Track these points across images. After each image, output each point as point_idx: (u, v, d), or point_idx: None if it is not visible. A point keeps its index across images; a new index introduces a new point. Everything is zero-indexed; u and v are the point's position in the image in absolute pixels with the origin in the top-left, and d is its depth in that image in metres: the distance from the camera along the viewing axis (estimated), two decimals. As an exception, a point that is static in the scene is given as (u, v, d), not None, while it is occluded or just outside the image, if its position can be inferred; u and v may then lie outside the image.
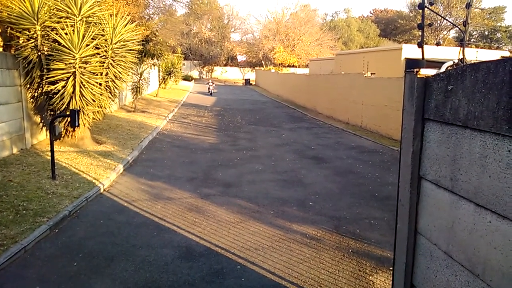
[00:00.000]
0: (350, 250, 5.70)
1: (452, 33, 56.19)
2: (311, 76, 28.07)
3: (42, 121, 11.08)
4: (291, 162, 10.81)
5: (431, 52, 17.05)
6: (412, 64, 2.81)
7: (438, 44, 13.23)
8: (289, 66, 51.53)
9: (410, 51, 19.41)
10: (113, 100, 12.41)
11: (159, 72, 28.93)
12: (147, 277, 4.80)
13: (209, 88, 33.87)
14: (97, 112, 11.03)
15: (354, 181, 9.13)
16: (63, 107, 10.03)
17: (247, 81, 51.22)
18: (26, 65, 9.89)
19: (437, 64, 2.90)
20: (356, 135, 15.54)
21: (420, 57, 2.97)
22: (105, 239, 5.81)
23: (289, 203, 7.58)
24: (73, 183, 7.95)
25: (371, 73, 17.95)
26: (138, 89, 19.77)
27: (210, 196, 7.86)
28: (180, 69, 33.18)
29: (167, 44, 26.31)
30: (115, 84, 11.38)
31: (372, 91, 16.50)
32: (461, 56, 2.76)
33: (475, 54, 20.12)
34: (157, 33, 21.43)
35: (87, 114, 10.64)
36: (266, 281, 4.81)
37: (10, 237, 5.50)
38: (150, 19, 24.29)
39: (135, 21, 13.02)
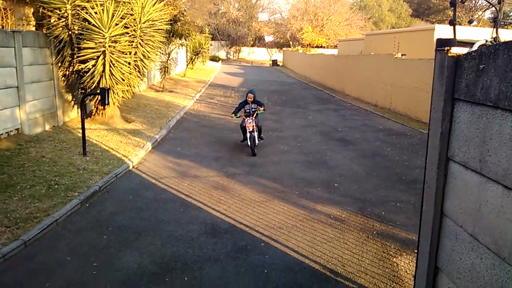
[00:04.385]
0: (374, 232, 5.68)
1: (488, 14, 53.78)
2: (340, 57, 27.58)
3: (74, 99, 11.37)
4: (317, 144, 10.76)
5: (464, 32, 16.43)
6: (443, 44, 2.73)
7: (471, 22, 12.66)
8: (317, 46, 50.66)
9: (443, 31, 18.74)
10: (141, 79, 12.57)
11: (186, 52, 29.03)
12: (173, 251, 4.95)
13: (244, 125, 9.73)
14: (127, 91, 11.22)
15: (381, 164, 9.03)
16: (94, 85, 10.25)
17: (274, 62, 50.78)
18: (58, 44, 10.12)
19: (469, 45, 2.81)
20: (384, 117, 15.28)
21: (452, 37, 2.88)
22: (134, 214, 6.00)
23: (314, 184, 7.58)
24: (103, 159, 8.19)
25: (402, 54, 17.49)
26: (166, 69, 19.92)
27: (236, 175, 7.94)
28: (208, 49, 33.01)
29: (195, 24, 26.28)
30: (143, 64, 11.52)
31: (402, 73, 16.10)
32: (494, 35, 2.66)
33: (513, 35, 19.24)
34: (185, 13, 21.42)
35: (117, 93, 10.84)
36: (289, 259, 4.87)
37: (43, 210, 5.75)
38: (178, -2, 24.28)
39: (163, 1, 13.03)
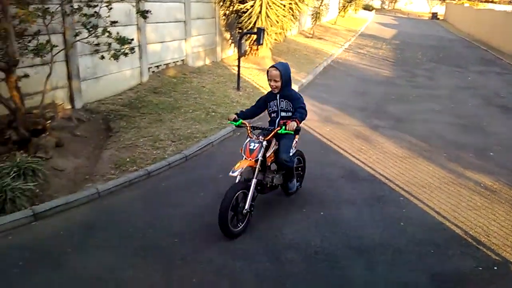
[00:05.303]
0: (531, 209, 5.12)
1: None
2: (516, 13, 23.78)
3: (231, 37, 12.11)
4: (474, 108, 9.78)
5: None
6: None
7: None
8: (486, 1, 44.35)
9: None
10: (294, 23, 12.71)
11: (339, -1, 28.15)
12: (311, 187, 5.19)
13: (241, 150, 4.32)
14: (279, 33, 11.54)
15: (550, 139, 7.88)
16: (250, 26, 10.75)
17: (434, 15, 46.09)
18: (220, -16, 10.75)
19: None
20: (563, 87, 13.02)
21: None
22: (278, 148, 6.37)
23: (466, 149, 7.01)
24: (253, 96, 8.74)
25: None
26: (317, 15, 19.69)
27: (379, 127, 7.76)
28: (362, -3, 31.35)
29: (352, -32, 25.07)
30: (298, 7, 11.63)
31: None
32: None
33: None
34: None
35: (270, 35, 11.21)
36: (428, 218, 4.72)
37: (201, 132, 6.52)
38: None
39: None
